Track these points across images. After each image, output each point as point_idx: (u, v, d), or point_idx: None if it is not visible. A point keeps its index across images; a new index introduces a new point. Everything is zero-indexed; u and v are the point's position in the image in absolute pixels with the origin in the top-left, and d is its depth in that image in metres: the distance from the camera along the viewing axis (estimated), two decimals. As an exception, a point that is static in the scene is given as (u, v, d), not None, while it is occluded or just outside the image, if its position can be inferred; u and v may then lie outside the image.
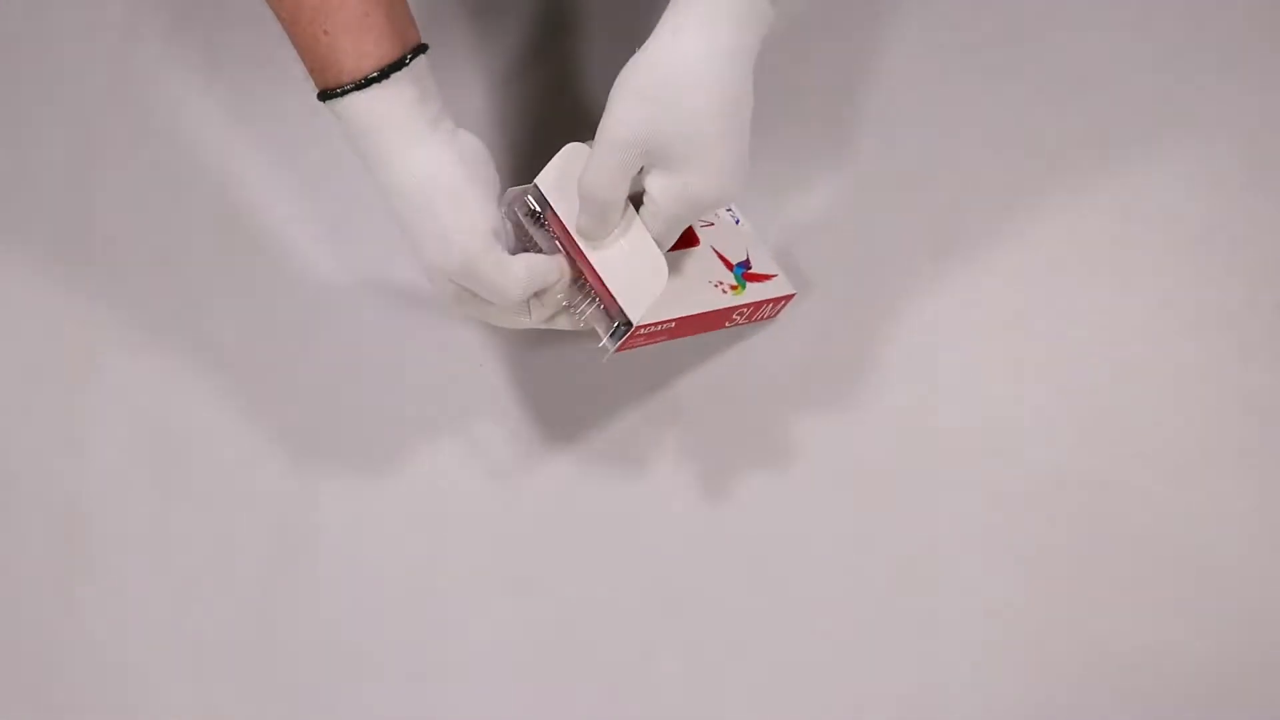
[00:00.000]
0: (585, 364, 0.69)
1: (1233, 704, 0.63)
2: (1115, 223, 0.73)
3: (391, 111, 0.54)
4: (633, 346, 0.64)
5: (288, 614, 0.65)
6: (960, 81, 0.76)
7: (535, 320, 0.59)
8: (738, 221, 0.70)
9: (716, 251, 0.67)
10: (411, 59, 0.54)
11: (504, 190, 0.60)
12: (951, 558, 0.66)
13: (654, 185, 0.55)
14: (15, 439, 0.69)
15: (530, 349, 0.71)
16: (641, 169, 0.55)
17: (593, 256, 0.58)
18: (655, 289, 0.59)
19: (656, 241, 0.57)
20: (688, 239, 0.67)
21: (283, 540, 0.66)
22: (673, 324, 0.64)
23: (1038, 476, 0.68)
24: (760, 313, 0.69)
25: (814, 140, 0.74)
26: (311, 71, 0.54)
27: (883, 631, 0.65)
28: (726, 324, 0.68)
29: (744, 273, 0.68)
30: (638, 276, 0.59)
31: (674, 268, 0.64)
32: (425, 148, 0.54)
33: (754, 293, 0.67)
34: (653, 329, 0.63)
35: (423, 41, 0.56)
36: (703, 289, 0.66)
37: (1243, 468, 0.68)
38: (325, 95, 0.54)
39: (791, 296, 0.69)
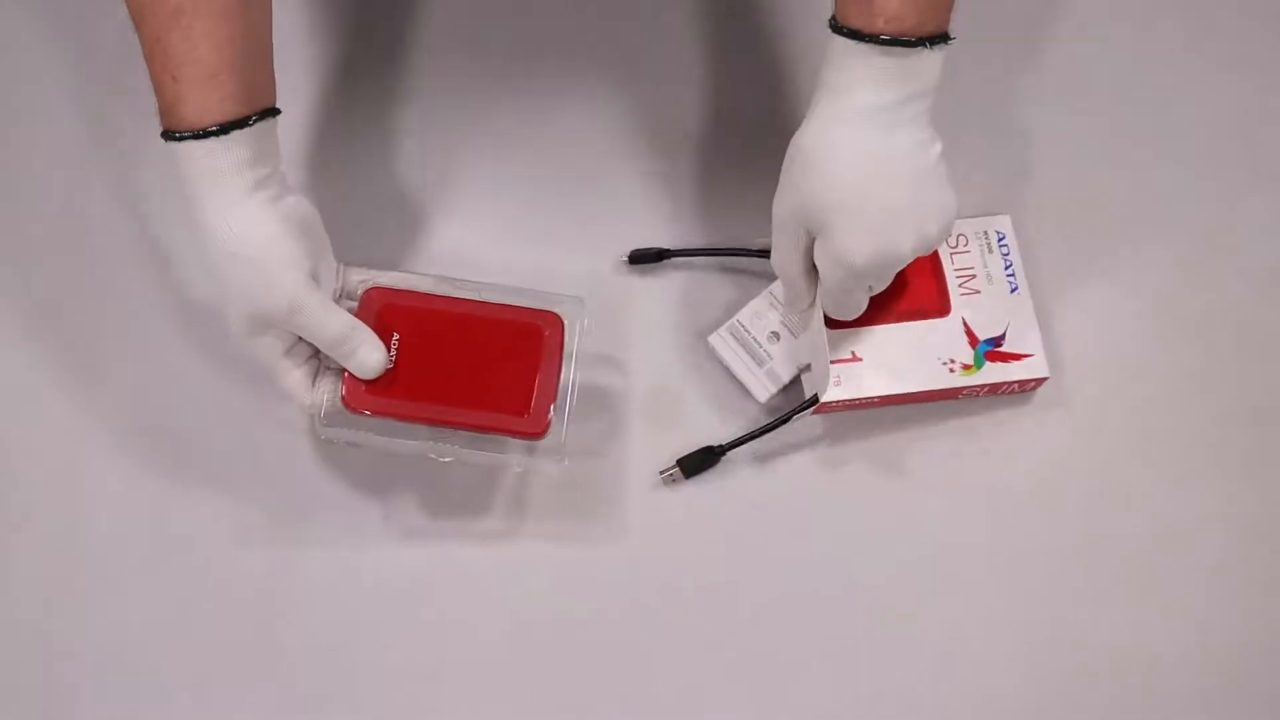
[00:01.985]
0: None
1: (1233, 704, 0.63)
2: (1115, 223, 0.73)
3: (221, 166, 0.55)
4: (832, 411, 0.66)
5: (288, 614, 0.65)
6: (960, 81, 0.76)
7: (314, 399, 0.60)
8: (1014, 289, 0.67)
9: (966, 324, 0.66)
10: (256, 121, 0.55)
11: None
12: (951, 559, 0.66)
13: (816, 255, 0.58)
14: (15, 439, 0.69)
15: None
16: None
17: (804, 331, 0.66)
18: (824, 367, 0.63)
19: (840, 309, 0.61)
20: (939, 307, 0.66)
21: (284, 540, 0.66)
22: (876, 399, 0.65)
23: (1038, 477, 0.68)
24: (1004, 389, 0.66)
25: None
26: (159, 109, 0.56)
27: (882, 632, 0.65)
28: (962, 397, 0.67)
29: (989, 350, 0.65)
30: (819, 353, 0.63)
31: (911, 339, 0.65)
32: (248, 205, 0.56)
33: (993, 373, 0.65)
34: (851, 402, 0.65)
35: (275, 106, 0.58)
36: (928, 365, 0.65)
37: (1243, 468, 0.68)
38: (166, 135, 0.55)
39: (1044, 380, 0.66)
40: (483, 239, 0.72)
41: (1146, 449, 0.68)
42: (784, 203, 0.57)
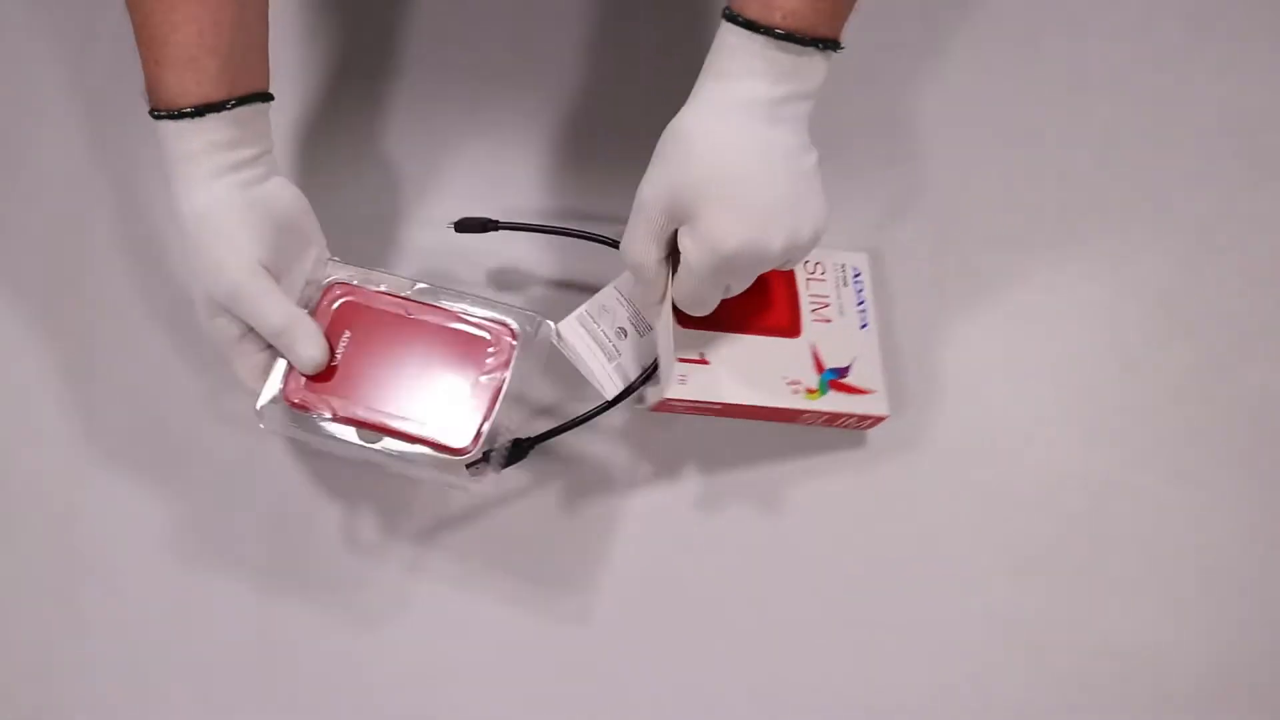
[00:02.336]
0: (570, 375, 0.69)
1: (1233, 704, 0.63)
2: (1115, 222, 0.73)
3: (195, 146, 0.56)
4: (670, 411, 0.64)
5: (288, 612, 0.65)
6: (960, 81, 0.76)
7: (261, 387, 0.60)
8: (864, 325, 0.67)
9: (814, 350, 0.65)
10: (235, 105, 0.56)
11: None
12: (952, 558, 0.66)
13: (681, 240, 0.55)
14: (15, 439, 0.69)
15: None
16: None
17: (654, 324, 0.62)
18: (668, 363, 0.61)
19: (696, 300, 0.58)
20: (789, 328, 0.65)
21: (284, 539, 0.66)
22: (719, 405, 0.63)
23: (1038, 476, 0.67)
24: (842, 423, 0.66)
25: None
26: (145, 86, 0.57)
27: (883, 632, 0.65)
28: (800, 421, 0.66)
29: (833, 380, 0.64)
30: (664, 349, 0.61)
31: (759, 354, 0.64)
32: (215, 186, 0.57)
33: (834, 402, 0.64)
34: (692, 403, 0.63)
35: (265, 91, 0.59)
36: (773, 382, 0.64)
37: (1243, 468, 0.68)
38: (151, 113, 0.57)
39: (883, 418, 0.65)
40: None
41: (1145, 449, 0.68)
42: (655, 184, 0.55)
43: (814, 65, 0.53)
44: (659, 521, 0.66)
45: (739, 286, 0.58)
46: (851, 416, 0.65)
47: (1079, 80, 0.76)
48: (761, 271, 0.57)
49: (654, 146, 0.56)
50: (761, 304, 0.65)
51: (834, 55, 0.53)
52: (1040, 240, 0.72)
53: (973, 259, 0.72)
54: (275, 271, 0.59)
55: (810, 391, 0.64)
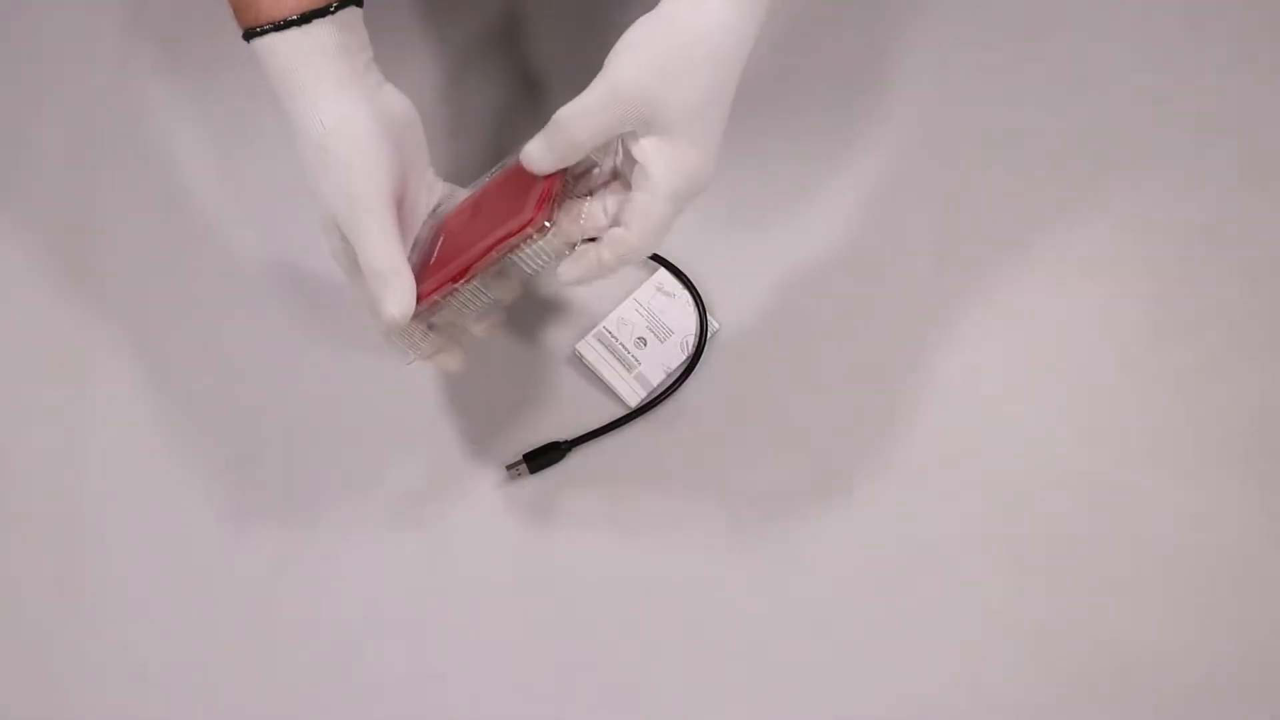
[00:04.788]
0: (571, 361, 0.69)
1: (1233, 704, 0.63)
2: (1115, 222, 0.73)
3: (308, 56, 0.53)
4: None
5: (289, 613, 0.65)
6: (961, 81, 0.76)
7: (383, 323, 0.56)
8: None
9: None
10: (337, 8, 0.53)
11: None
12: (951, 558, 0.66)
13: (651, 153, 0.50)
14: (15, 440, 0.69)
15: (523, 347, 0.71)
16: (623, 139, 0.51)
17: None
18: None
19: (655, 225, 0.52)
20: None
21: (283, 539, 0.66)
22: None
23: (1038, 476, 0.67)
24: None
25: (815, 140, 0.74)
26: (234, 10, 0.54)
27: (883, 631, 0.65)
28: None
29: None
30: None
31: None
32: (338, 97, 0.53)
33: None
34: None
35: None
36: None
37: (1243, 468, 0.67)
38: (247, 34, 0.53)
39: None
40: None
41: (1144, 448, 0.68)
42: (638, 83, 0.50)
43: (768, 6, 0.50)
44: (672, 519, 0.67)
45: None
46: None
47: (1079, 80, 0.76)
48: None
49: None
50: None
51: None
52: (1039, 239, 0.72)
53: (973, 258, 0.72)
54: (400, 191, 0.55)
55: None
